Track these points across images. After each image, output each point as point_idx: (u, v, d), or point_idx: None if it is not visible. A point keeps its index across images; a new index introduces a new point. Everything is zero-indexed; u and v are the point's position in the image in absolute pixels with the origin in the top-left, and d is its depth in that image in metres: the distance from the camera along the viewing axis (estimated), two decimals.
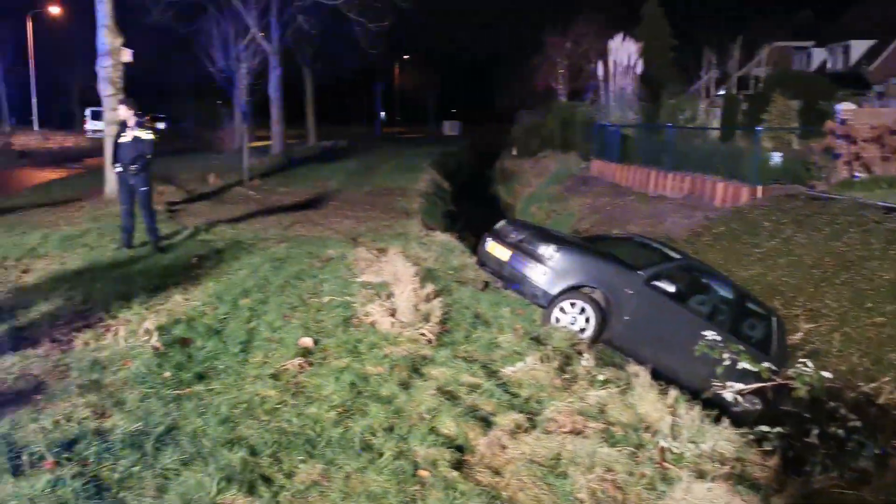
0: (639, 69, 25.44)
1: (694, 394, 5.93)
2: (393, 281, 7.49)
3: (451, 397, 4.95)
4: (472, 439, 4.39)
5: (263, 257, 9.11)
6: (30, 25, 44.43)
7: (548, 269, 7.54)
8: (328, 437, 4.23)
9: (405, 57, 62.23)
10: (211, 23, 28.24)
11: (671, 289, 7.59)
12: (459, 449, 4.29)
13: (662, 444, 4.58)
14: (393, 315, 6.47)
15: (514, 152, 33.22)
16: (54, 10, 45.39)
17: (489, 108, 57.56)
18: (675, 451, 4.54)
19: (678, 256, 8.61)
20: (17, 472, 3.56)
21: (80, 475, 3.57)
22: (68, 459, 3.73)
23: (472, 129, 57.33)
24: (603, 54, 26.92)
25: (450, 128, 61.03)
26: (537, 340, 6.57)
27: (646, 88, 25.76)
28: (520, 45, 44.66)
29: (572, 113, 27.99)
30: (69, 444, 3.88)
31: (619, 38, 26.09)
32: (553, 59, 41.34)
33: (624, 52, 25.59)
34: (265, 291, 7.39)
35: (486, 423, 4.63)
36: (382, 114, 56.34)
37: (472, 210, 18.28)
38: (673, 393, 5.47)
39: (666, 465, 4.39)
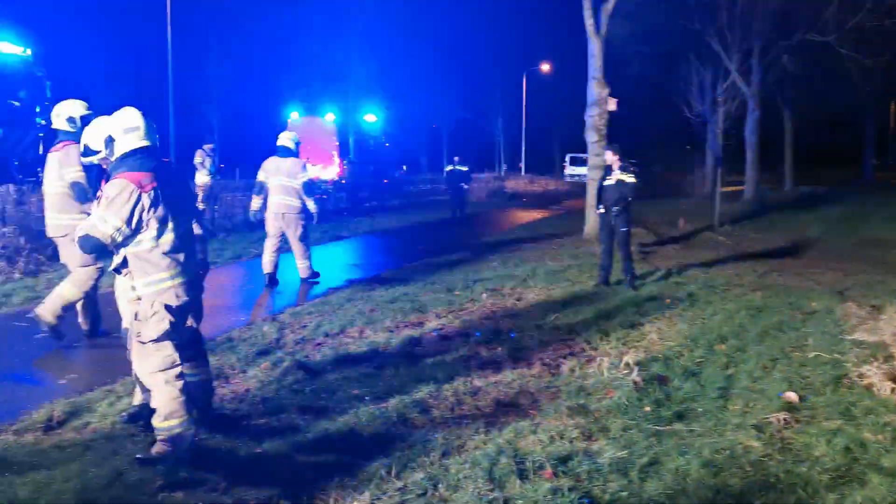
0: None
1: None
2: (892, 342, 6.63)
3: None
4: None
5: (738, 304, 8.84)
6: (524, 82, 50.28)
7: None
8: (822, 501, 3.90)
9: None
10: (690, 69, 28.65)
11: None
12: None
13: None
14: (894, 380, 5.72)
15: None
16: (545, 68, 50.67)
17: None
18: None
19: None
20: (522, 476, 3.98)
21: (575, 489, 3.85)
22: (564, 473, 4.05)
23: None
24: None
25: None
26: None
27: None
28: None
29: None
30: (564, 459, 4.21)
31: None
32: None
33: None
34: (742, 339, 7.15)
35: None
36: (873, 157, 50.59)
37: None
38: None
39: None
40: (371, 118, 40.01)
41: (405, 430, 4.81)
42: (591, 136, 15.09)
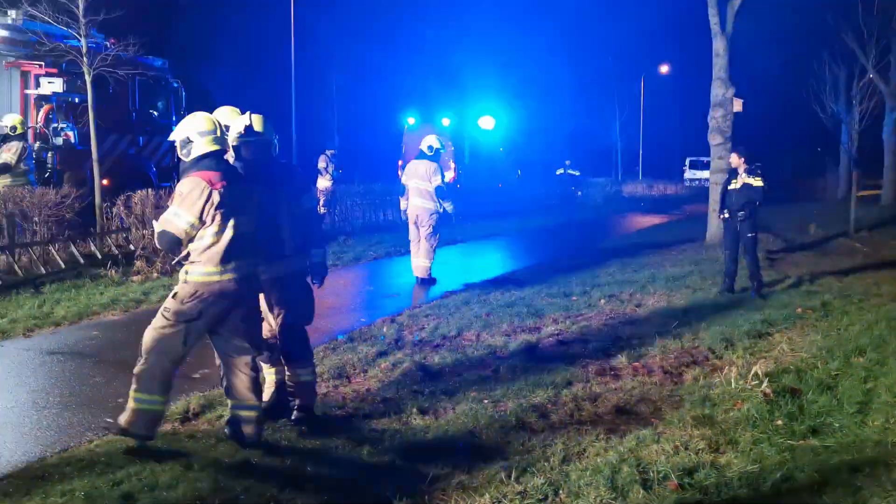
0: None
1: None
2: None
3: None
4: None
5: (877, 315, 8.27)
6: (642, 85, 49.17)
7: None
8: None
9: None
10: (822, 67, 27.25)
11: None
12: None
13: None
14: None
15: None
16: (663, 69, 49.38)
17: None
18: None
19: None
20: (646, 486, 3.88)
21: (702, 503, 3.71)
22: (690, 485, 3.92)
23: None
24: None
25: None
26: None
27: None
28: None
29: None
30: (689, 471, 4.07)
31: None
32: None
33: None
34: (882, 352, 6.68)
35: None
36: None
37: None
38: None
39: None
40: (487, 123, 40.08)
41: (524, 434, 4.79)
42: (715, 139, 14.56)
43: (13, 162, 10.87)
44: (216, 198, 4.27)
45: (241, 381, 4.48)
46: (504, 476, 4.02)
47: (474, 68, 39.22)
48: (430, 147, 10.47)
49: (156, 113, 15.60)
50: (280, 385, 5.03)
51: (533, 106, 51.16)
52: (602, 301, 9.19)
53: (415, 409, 5.16)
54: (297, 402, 4.91)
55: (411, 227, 10.52)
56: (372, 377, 6.01)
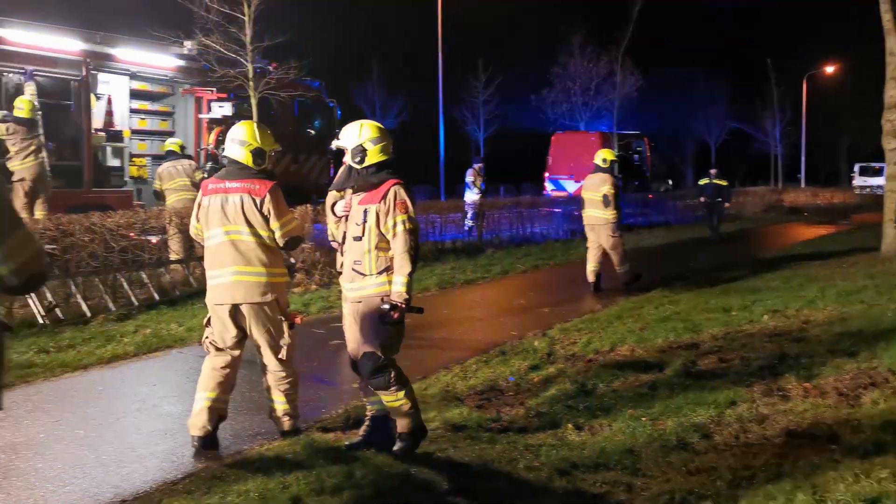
0: None
1: None
2: None
3: None
4: None
5: None
6: (804, 87, 46.43)
7: None
8: None
9: None
10: None
11: None
12: None
13: None
14: None
15: None
16: (829, 70, 46.41)
17: None
18: None
19: None
20: None
21: None
22: None
23: None
24: None
25: None
26: None
27: None
28: None
29: None
30: (872, 501, 3.77)
31: None
32: None
33: None
34: None
35: None
36: None
37: None
38: None
39: None
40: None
41: (686, 454, 4.59)
42: (890, 143, 13.51)
43: (160, 188, 11.10)
44: (202, 202, 4.64)
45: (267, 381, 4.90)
46: (667, 499, 3.87)
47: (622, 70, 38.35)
48: (605, 160, 11.04)
49: (313, 132, 16.38)
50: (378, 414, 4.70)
51: (685, 112, 49.57)
52: (765, 316, 8.71)
53: (570, 425, 5.09)
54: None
55: (589, 236, 11.19)
56: (525, 391, 5.99)
